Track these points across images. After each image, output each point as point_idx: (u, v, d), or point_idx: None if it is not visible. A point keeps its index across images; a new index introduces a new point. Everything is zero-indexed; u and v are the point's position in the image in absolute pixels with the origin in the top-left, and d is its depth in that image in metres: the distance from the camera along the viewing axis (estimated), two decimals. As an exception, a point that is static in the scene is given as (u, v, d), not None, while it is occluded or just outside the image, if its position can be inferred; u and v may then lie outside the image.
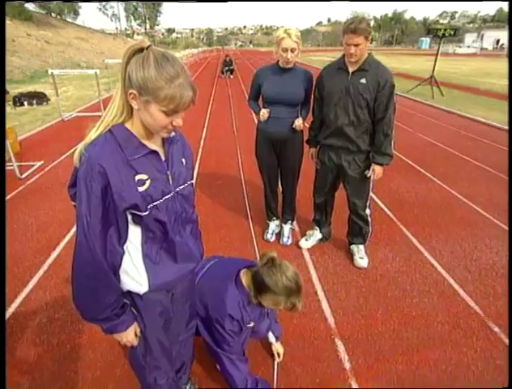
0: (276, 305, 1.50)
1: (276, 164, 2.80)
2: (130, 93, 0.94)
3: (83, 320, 1.13)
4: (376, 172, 2.43)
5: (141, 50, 0.93)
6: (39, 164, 4.79)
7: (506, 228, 3.31)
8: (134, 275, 1.13)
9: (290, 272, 1.45)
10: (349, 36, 2.13)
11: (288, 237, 3.02)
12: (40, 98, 9.25)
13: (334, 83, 2.37)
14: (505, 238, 3.13)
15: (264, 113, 2.53)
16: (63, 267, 2.67)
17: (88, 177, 0.95)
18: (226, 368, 1.58)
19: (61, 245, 2.95)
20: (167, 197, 1.09)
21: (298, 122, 2.53)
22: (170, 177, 1.10)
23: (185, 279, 1.30)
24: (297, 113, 2.59)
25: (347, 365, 1.90)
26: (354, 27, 2.09)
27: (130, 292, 1.16)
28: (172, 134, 1.11)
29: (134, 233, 1.10)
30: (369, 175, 2.46)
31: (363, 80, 2.24)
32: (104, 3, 71.99)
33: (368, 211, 2.69)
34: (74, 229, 3.14)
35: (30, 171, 4.51)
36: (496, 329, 2.13)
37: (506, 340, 2.05)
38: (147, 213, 1.04)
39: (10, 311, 2.23)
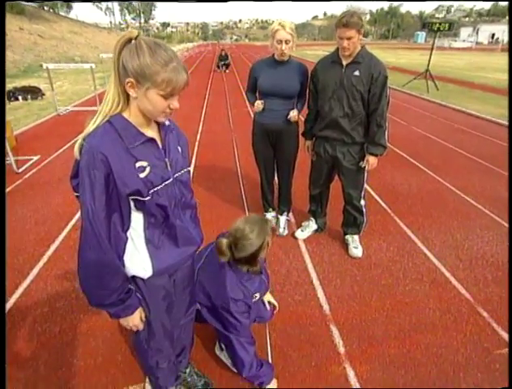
0: (258, 261, 1.60)
1: (272, 156, 2.85)
2: (128, 82, 0.98)
3: (90, 306, 1.16)
4: (370, 162, 2.48)
5: (130, 40, 0.97)
6: (35, 158, 4.80)
7: (497, 218, 3.38)
8: (138, 260, 1.17)
9: (249, 231, 1.52)
10: (341, 30, 2.18)
11: (284, 228, 3.07)
12: (34, 93, 9.19)
13: (328, 76, 2.41)
14: (498, 229, 3.21)
15: (258, 103, 2.59)
16: (62, 258, 2.71)
17: (91, 166, 0.98)
18: (236, 351, 1.63)
19: (60, 237, 2.98)
20: (166, 182, 1.13)
21: (293, 114, 2.57)
22: (168, 164, 1.14)
23: (186, 264, 1.34)
24: (293, 106, 2.63)
25: (342, 350, 1.96)
26: (346, 20, 2.14)
27: (134, 278, 1.20)
28: (167, 122, 1.17)
29: (137, 219, 1.14)
30: (363, 166, 2.51)
31: (356, 73, 2.28)
32: (98, -3, 71.02)
33: (362, 202, 2.74)
34: (72, 222, 3.19)
35: (27, 165, 4.52)
36: (484, 314, 2.21)
37: (494, 325, 2.13)
38: (148, 198, 1.08)
39: (11, 302, 2.26)
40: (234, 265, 1.60)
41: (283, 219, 3.11)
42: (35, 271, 2.57)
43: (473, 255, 2.82)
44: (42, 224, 3.19)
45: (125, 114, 1.05)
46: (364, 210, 2.77)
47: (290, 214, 3.26)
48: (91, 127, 1.04)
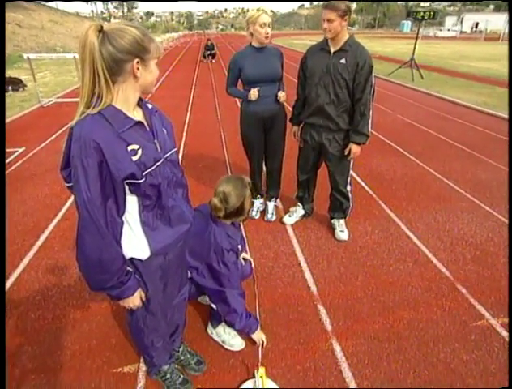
0: (244, 213, 1.78)
1: (263, 142, 2.90)
2: (137, 62, 1.03)
3: (91, 290, 1.20)
4: (353, 150, 2.54)
5: (100, 32, 0.98)
6: (20, 150, 4.73)
7: (477, 201, 3.52)
8: (135, 242, 1.22)
9: (232, 187, 1.70)
10: (323, 12, 2.26)
11: (273, 214, 3.15)
12: (15, 84, 8.96)
13: (316, 63, 2.46)
14: (477, 211, 3.35)
15: (255, 91, 2.59)
16: (53, 248, 2.72)
17: (83, 154, 0.99)
18: (230, 304, 1.76)
19: (50, 228, 2.99)
20: (158, 163, 1.16)
21: (281, 94, 2.67)
22: (158, 145, 1.17)
23: (179, 244, 1.39)
24: (278, 88, 2.71)
25: (329, 327, 2.05)
26: (327, 3, 2.23)
27: (131, 260, 1.24)
28: (150, 105, 1.22)
29: (132, 203, 1.17)
30: (346, 153, 2.58)
31: (343, 60, 2.33)
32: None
33: (349, 188, 2.82)
34: (61, 213, 3.19)
35: (12, 157, 4.46)
36: (463, 290, 2.33)
37: (471, 299, 2.25)
38: (142, 180, 1.11)
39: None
40: (219, 221, 1.75)
41: (271, 205, 3.18)
42: (25, 260, 2.58)
43: (453, 236, 2.94)
44: (30, 216, 3.18)
45: (112, 103, 1.06)
46: (350, 195, 2.85)
47: (278, 200, 3.33)
48: (74, 120, 1.05)
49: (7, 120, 6.24)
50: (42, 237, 2.85)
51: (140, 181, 1.11)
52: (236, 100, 7.91)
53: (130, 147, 1.07)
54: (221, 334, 1.94)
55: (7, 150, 4.66)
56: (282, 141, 2.91)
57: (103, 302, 2.17)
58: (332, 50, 2.37)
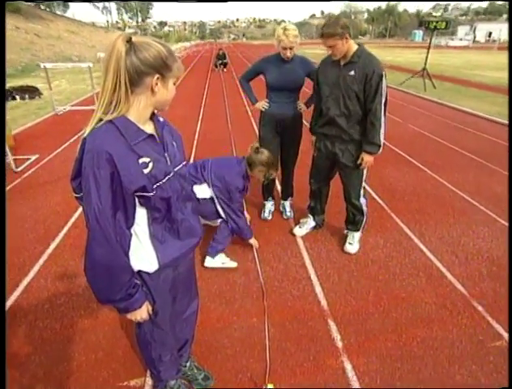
0: (262, 173, 2.56)
1: (278, 144, 3.02)
2: (157, 78, 1.04)
3: (99, 303, 1.18)
4: (364, 160, 2.49)
5: (128, 41, 0.99)
6: (34, 157, 4.81)
7: (493, 214, 3.43)
8: (144, 255, 1.20)
9: (268, 153, 2.54)
10: (322, 40, 2.25)
11: (290, 211, 3.36)
12: (32, 92, 9.18)
13: (327, 75, 2.45)
14: (494, 226, 3.25)
15: (264, 104, 2.91)
16: (63, 256, 2.73)
17: (96, 165, 0.99)
18: (235, 220, 2.53)
19: (60, 235, 3.00)
20: (168, 177, 1.15)
21: (301, 104, 2.93)
22: (168, 159, 1.17)
23: (188, 257, 1.37)
24: (297, 96, 2.90)
25: (340, 344, 2.00)
26: (322, 32, 2.22)
27: (139, 272, 1.23)
28: (161, 119, 1.21)
29: (141, 215, 1.16)
30: (358, 162, 2.54)
31: (352, 72, 2.30)
32: (94, -4, 70.68)
33: (363, 201, 2.75)
34: (72, 220, 3.21)
35: (25, 164, 4.53)
36: (479, 308, 2.25)
37: (489, 318, 2.17)
38: (153, 193, 1.11)
39: (12, 299, 2.29)
40: (242, 163, 2.54)
41: (287, 203, 3.39)
42: (35, 268, 2.59)
43: (469, 251, 2.86)
44: (42, 223, 3.20)
45: (126, 115, 1.06)
46: (364, 209, 2.77)
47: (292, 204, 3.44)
48: (87, 129, 1.05)
49: (22, 128, 6.38)
50: (52, 245, 2.87)
51: (151, 194, 1.10)
52: (248, 109, 7.96)
53: (141, 160, 1.07)
54: (220, 260, 2.62)
55: (21, 157, 4.74)
56: (297, 142, 3.04)
57: (110, 312, 2.16)
58: (342, 63, 2.35)
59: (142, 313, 1.24)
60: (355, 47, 2.30)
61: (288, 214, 3.33)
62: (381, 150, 2.46)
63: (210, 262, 2.62)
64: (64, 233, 3.04)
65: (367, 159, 2.49)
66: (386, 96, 2.31)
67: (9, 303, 2.25)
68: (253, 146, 2.54)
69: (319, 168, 2.80)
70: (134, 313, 1.22)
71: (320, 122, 2.62)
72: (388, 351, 1.95)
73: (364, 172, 2.63)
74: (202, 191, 2.52)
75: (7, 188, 3.88)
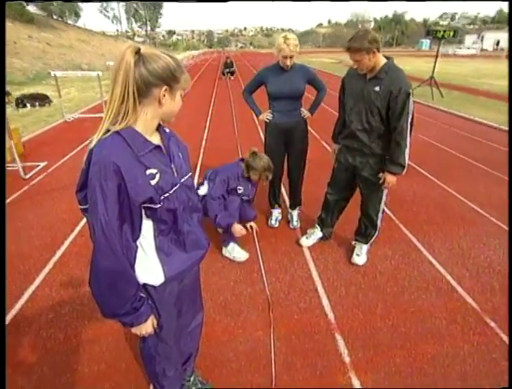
0: (257, 176, 2.76)
1: (283, 153, 3.05)
2: (165, 89, 1.04)
3: (104, 317, 1.15)
4: (387, 180, 2.39)
5: (137, 52, 0.99)
6: (43, 164, 4.85)
7: (504, 226, 3.35)
8: (149, 268, 1.18)
9: (264, 159, 2.75)
10: (348, 54, 2.18)
11: (297, 221, 3.34)
12: (42, 100, 9.32)
13: (352, 87, 2.40)
14: (504, 237, 3.18)
15: (268, 115, 2.92)
16: (68, 264, 2.72)
17: (103, 177, 0.97)
18: (207, 201, 2.65)
19: (66, 243, 3.01)
20: (175, 188, 1.14)
21: (305, 112, 2.93)
22: (174, 170, 1.16)
23: (193, 270, 1.35)
24: (300, 104, 2.89)
25: (347, 359, 1.95)
26: (348, 45, 2.14)
27: (144, 286, 1.20)
28: (167, 130, 1.20)
29: (147, 228, 1.15)
30: (379, 176, 2.44)
31: (377, 88, 2.21)
32: (105, 5, 72.19)
33: (380, 215, 2.67)
34: (78, 228, 3.21)
35: (34, 171, 4.57)
36: (492, 324, 2.18)
37: (502, 335, 2.10)
38: (160, 205, 1.09)
39: (16, 307, 2.28)
40: (240, 165, 2.79)
41: (295, 213, 3.37)
42: (41, 276, 2.58)
43: (480, 264, 2.79)
44: (48, 230, 3.21)
45: (133, 126, 1.06)
46: (378, 224, 2.70)
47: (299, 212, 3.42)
48: (94, 140, 1.04)
49: (32, 135, 6.46)
50: (58, 253, 2.87)
51: (157, 206, 1.09)
52: (254, 117, 7.97)
53: (148, 171, 1.06)
54: (231, 251, 2.80)
55: (30, 164, 4.79)
56: (302, 152, 3.04)
57: (114, 323, 2.11)
58: (368, 76, 2.27)
59: (147, 327, 1.21)
60: (383, 61, 2.20)
61: (295, 223, 3.31)
62: (405, 171, 2.35)
63: (224, 251, 2.85)
64: (70, 241, 3.04)
65: (390, 179, 2.39)
66: (412, 115, 2.20)
67: (13, 312, 2.24)
68: (250, 150, 2.76)
69: (337, 179, 2.74)
70: (139, 327, 1.19)
71: (343, 134, 2.58)
72: (397, 367, 1.90)
73: (386, 190, 2.55)
74: (204, 188, 2.79)
75: (15, 195, 3.91)
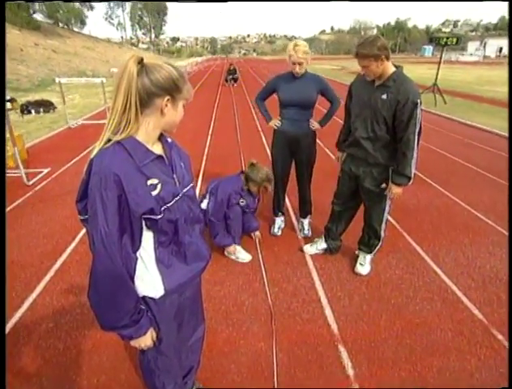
0: (256, 188, 2.80)
1: (289, 161, 3.04)
2: (167, 99, 1.03)
3: (103, 330, 1.13)
4: (393, 191, 2.35)
5: (140, 63, 0.99)
6: (46, 170, 4.86)
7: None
8: (149, 280, 1.16)
9: (263, 170, 2.78)
10: (357, 59, 2.14)
11: (309, 230, 3.31)
12: (46, 106, 9.39)
13: (359, 94, 2.36)
14: (506, 243, 3.13)
15: (277, 121, 2.93)
16: (69, 273, 2.71)
17: (103, 187, 0.96)
18: (209, 218, 2.74)
19: (67, 251, 2.99)
20: (176, 199, 1.12)
21: (315, 123, 2.89)
22: (176, 180, 1.14)
23: (194, 282, 1.33)
24: (311, 114, 2.87)
25: (351, 372, 1.91)
26: (356, 51, 2.11)
27: (144, 298, 1.18)
28: (169, 139, 1.19)
29: (147, 239, 1.13)
30: (383, 187, 2.41)
31: (384, 96, 2.17)
32: (110, 13, 73.16)
33: (383, 226, 2.63)
34: (79, 236, 3.19)
35: (37, 177, 4.58)
36: (499, 337, 2.13)
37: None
38: (161, 216, 1.08)
39: (17, 316, 2.26)
40: (240, 178, 2.82)
41: (306, 221, 3.34)
42: (41, 284, 2.57)
43: (486, 274, 2.75)
44: (50, 238, 3.20)
45: (135, 135, 1.05)
46: (382, 234, 2.66)
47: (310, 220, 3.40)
48: (95, 150, 1.03)
49: (36, 141, 6.49)
50: (59, 261, 2.85)
51: (158, 217, 1.07)
52: (258, 124, 8.00)
53: (149, 182, 1.05)
54: (234, 252, 2.84)
55: (34, 170, 4.80)
56: (310, 162, 3.03)
57: (114, 333, 2.10)
58: (376, 83, 2.23)
59: (146, 340, 1.19)
60: (391, 69, 2.16)
61: (306, 232, 3.28)
62: (411, 182, 2.30)
63: (226, 251, 2.90)
64: (71, 249, 3.02)
65: (395, 190, 2.34)
66: (420, 125, 2.14)
67: (14, 320, 2.22)
68: (249, 162, 2.80)
69: (342, 189, 2.69)
70: (138, 340, 1.17)
71: (348, 141, 2.54)
72: (402, 381, 1.86)
73: (388, 201, 2.51)
74: (206, 202, 2.81)
75: (18, 201, 3.91)
